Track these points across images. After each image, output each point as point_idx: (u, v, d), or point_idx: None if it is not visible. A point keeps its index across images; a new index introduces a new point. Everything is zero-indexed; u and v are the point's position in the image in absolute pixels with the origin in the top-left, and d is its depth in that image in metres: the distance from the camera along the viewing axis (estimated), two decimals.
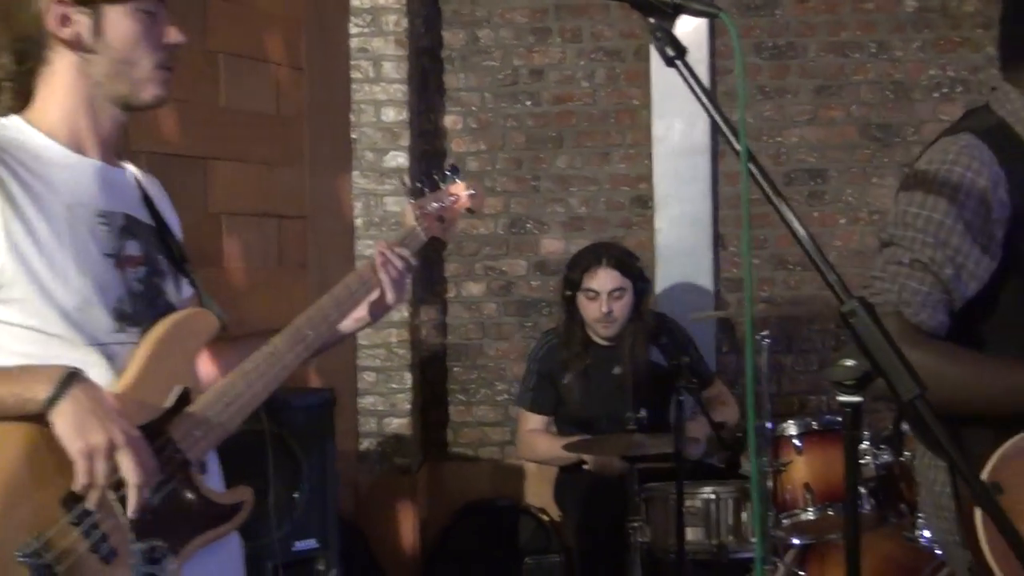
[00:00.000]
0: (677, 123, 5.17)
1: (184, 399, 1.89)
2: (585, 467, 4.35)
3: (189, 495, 1.85)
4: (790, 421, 3.85)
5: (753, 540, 3.86)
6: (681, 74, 1.73)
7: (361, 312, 2.20)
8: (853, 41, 5.24)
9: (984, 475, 1.98)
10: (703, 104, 1.72)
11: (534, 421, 4.50)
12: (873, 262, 2.21)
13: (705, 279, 5.15)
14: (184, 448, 1.86)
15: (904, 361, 1.52)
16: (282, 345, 2.01)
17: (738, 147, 1.67)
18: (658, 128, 5.18)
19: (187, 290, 2.09)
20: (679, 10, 1.75)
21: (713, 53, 5.21)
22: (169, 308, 1.98)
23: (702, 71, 5.16)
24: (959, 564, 2.12)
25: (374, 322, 2.25)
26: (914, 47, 5.22)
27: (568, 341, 4.46)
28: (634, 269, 4.43)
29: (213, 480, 1.96)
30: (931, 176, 2.08)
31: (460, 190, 2.47)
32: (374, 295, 2.19)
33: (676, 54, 1.73)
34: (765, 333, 3.89)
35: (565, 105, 5.28)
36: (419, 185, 2.44)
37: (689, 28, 5.14)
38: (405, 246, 2.25)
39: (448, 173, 2.47)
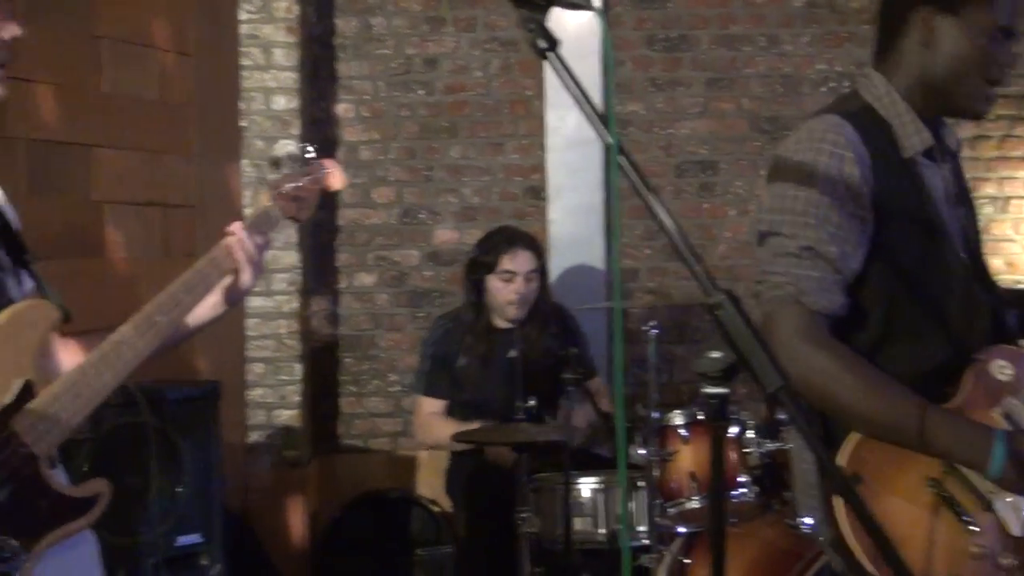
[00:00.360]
0: (570, 114, 5.17)
1: (27, 392, 1.83)
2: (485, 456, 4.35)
3: (38, 491, 1.80)
4: (676, 411, 3.88)
5: (641, 529, 3.89)
6: (553, 66, 1.72)
7: (215, 297, 2.16)
8: (744, 34, 5.30)
9: (843, 459, 2.02)
10: (574, 96, 1.70)
11: (431, 405, 4.47)
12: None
13: (597, 270, 5.18)
14: (30, 442, 1.80)
15: (769, 352, 1.53)
16: (131, 333, 1.95)
17: (609, 140, 1.67)
18: (551, 119, 5.19)
19: (28, 283, 2.02)
20: (551, 2, 1.73)
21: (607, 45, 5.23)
22: (9, 303, 1.92)
23: (594, 63, 5.17)
24: (824, 538, 2.16)
25: (231, 306, 2.21)
26: (803, 41, 5.30)
27: (471, 325, 4.46)
28: (542, 254, 4.49)
29: (64, 475, 1.91)
30: (801, 158, 2.10)
31: (317, 169, 2.43)
32: (228, 279, 2.14)
33: (548, 46, 1.72)
34: (653, 323, 3.91)
35: (459, 95, 5.26)
36: (276, 165, 2.39)
37: (583, 19, 5.16)
38: (259, 227, 2.21)
39: (306, 153, 2.43)
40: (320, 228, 5.16)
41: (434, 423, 4.45)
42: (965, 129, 5.34)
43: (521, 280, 4.37)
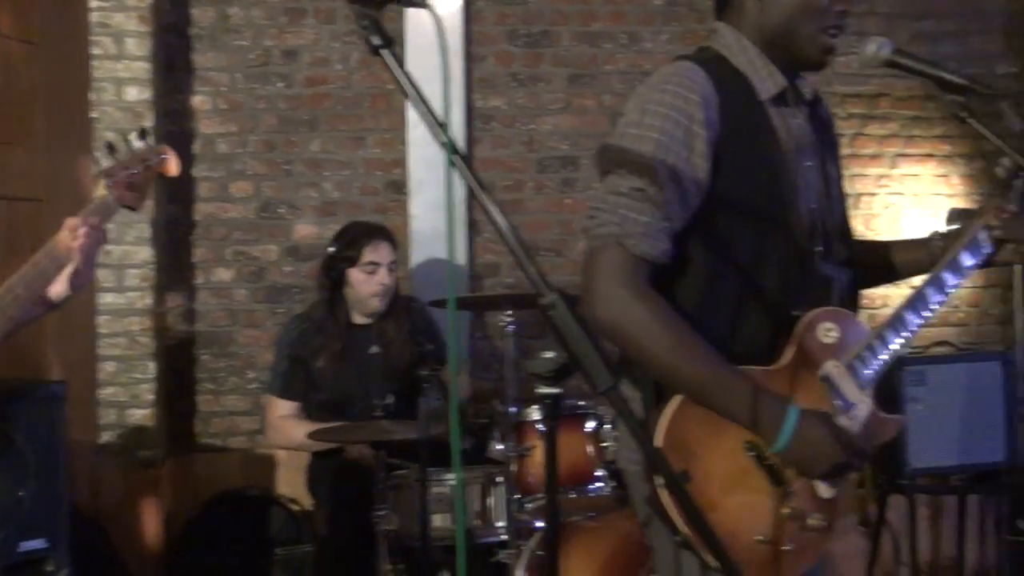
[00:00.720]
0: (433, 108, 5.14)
1: None
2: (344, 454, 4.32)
3: None
4: (534, 406, 3.89)
5: (500, 524, 3.90)
6: (386, 63, 1.70)
7: (59, 287, 2.12)
8: (604, 31, 5.34)
9: (666, 418, 2.04)
10: (409, 95, 1.69)
11: (283, 407, 4.42)
12: None
13: (459, 264, 5.16)
14: None
15: (601, 352, 1.54)
16: None
17: (443, 139, 1.65)
18: (413, 113, 5.14)
19: None
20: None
21: (468, 40, 5.22)
22: None
23: (456, 58, 5.17)
24: (638, 494, 2.19)
25: (75, 293, 2.17)
26: (663, 39, 5.36)
27: (333, 322, 4.40)
28: (398, 247, 4.49)
29: None
30: (646, 98, 2.11)
31: (151, 156, 2.37)
32: (68, 269, 2.10)
33: (382, 43, 1.70)
34: (510, 318, 3.91)
35: (319, 88, 5.19)
36: (110, 150, 2.34)
37: (443, 14, 5.14)
38: (94, 216, 2.16)
39: (139, 139, 2.37)
40: (175, 223, 5.04)
41: (286, 425, 4.39)
42: None
43: (385, 271, 4.37)
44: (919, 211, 5.54)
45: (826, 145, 2.35)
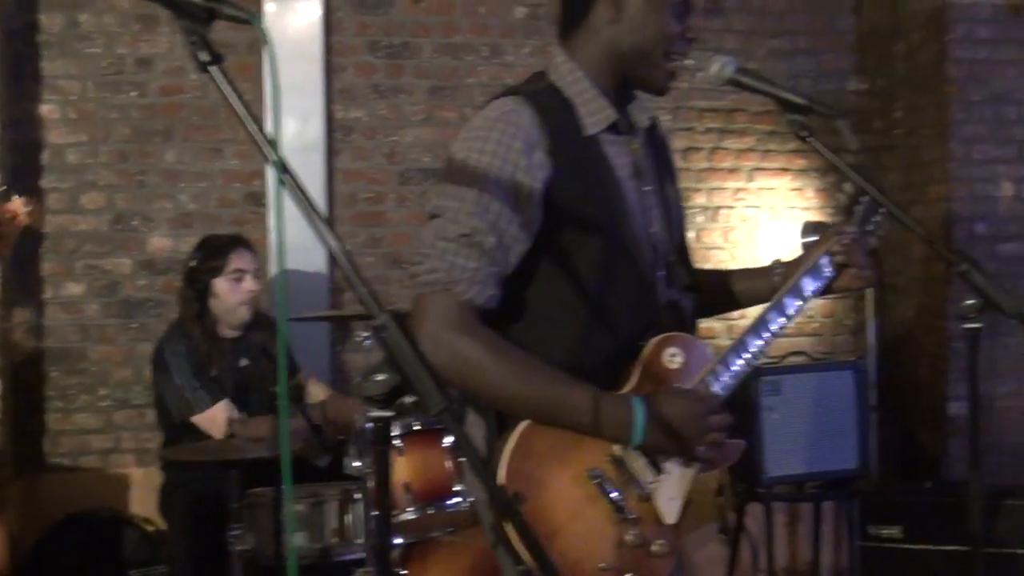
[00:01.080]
0: (291, 120, 5.09)
1: None
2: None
3: None
4: (392, 422, 3.85)
5: (358, 541, 3.85)
6: (215, 80, 1.65)
7: None
8: (467, 44, 5.34)
9: (510, 447, 2.03)
10: (238, 113, 1.64)
11: (224, 410, 4.22)
12: None
13: (320, 278, 5.10)
14: None
15: (432, 374, 1.52)
16: None
17: (273, 157, 1.62)
18: (271, 124, 5.06)
19: None
20: (213, 15, 1.66)
21: (328, 50, 5.16)
22: None
23: (316, 68, 5.11)
24: (485, 520, 2.18)
25: None
26: (524, 52, 5.38)
27: (202, 335, 4.30)
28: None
29: None
30: (470, 144, 2.09)
31: (17, 208, 2.28)
32: None
33: (211, 59, 1.65)
34: (366, 334, 3.87)
35: (174, 97, 5.07)
36: None
37: (303, 24, 5.09)
38: None
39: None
40: (21, 235, 4.85)
41: (247, 424, 4.19)
42: (678, 141, 5.55)
43: (251, 278, 4.31)
44: (775, 224, 5.66)
45: (663, 169, 2.37)
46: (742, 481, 4.98)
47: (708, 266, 5.47)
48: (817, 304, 5.74)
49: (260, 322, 4.43)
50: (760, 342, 2.26)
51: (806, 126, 2.25)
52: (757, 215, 5.67)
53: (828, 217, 5.58)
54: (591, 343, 2.15)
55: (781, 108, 2.28)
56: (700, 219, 5.62)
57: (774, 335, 2.28)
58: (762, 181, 5.68)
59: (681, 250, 2.37)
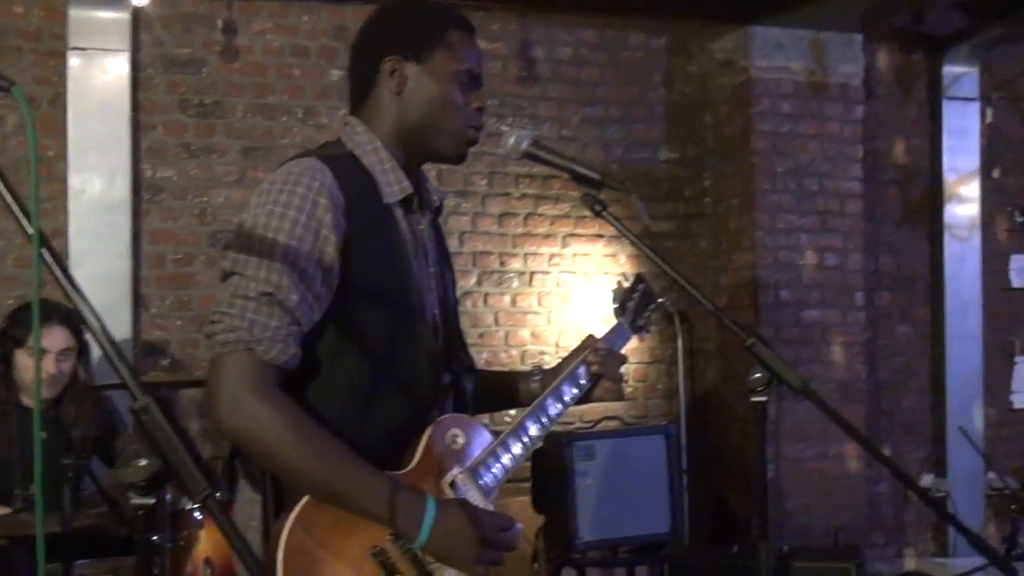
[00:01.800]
0: (96, 178, 4.92)
1: None
2: None
3: None
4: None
5: None
6: None
7: None
8: (280, 105, 5.27)
9: (291, 521, 1.96)
10: None
11: None
12: None
13: (123, 341, 4.92)
14: None
15: (197, 459, 1.45)
16: None
17: (30, 230, 1.53)
18: (75, 182, 4.91)
19: None
20: None
21: (136, 108, 5.03)
22: None
23: (123, 125, 4.96)
24: None
25: None
26: (340, 114, 5.33)
27: (5, 399, 4.07)
28: (80, 330, 4.17)
29: None
30: (273, 199, 2.03)
31: None
32: None
33: None
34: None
35: None
36: None
37: (110, 79, 4.94)
38: None
39: None
40: None
41: None
42: (494, 206, 5.59)
43: (52, 359, 4.05)
44: (589, 288, 5.73)
45: (442, 252, 2.37)
46: (556, 546, 4.98)
47: (502, 336, 5.55)
48: (631, 368, 5.82)
49: (78, 396, 4.21)
50: (539, 428, 2.32)
51: (599, 199, 2.27)
52: (571, 280, 5.73)
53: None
54: (376, 413, 2.10)
55: (575, 181, 2.29)
56: (516, 284, 5.65)
57: (540, 434, 2.32)
58: (576, 247, 5.76)
59: (460, 335, 2.37)
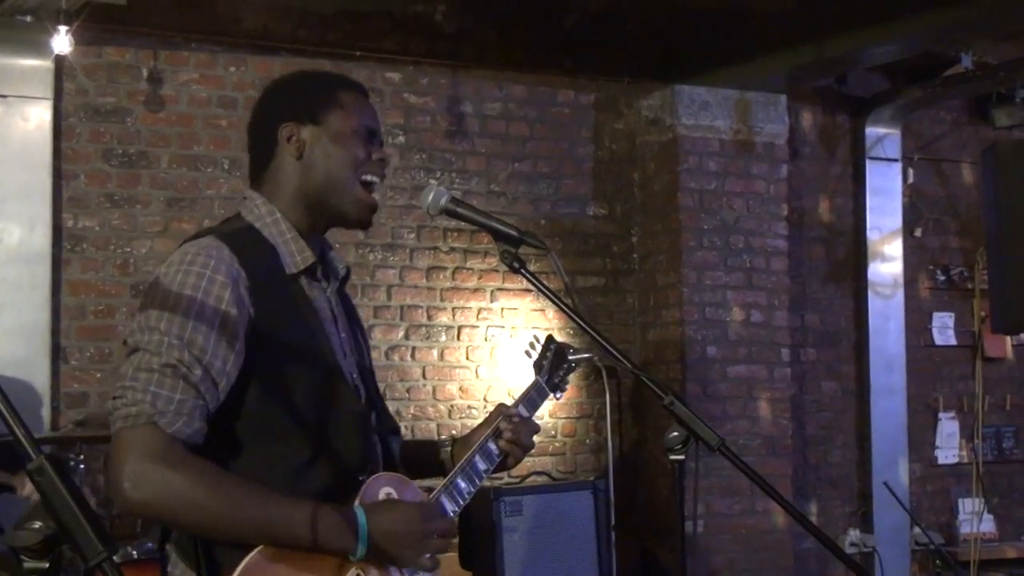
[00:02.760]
0: (15, 227, 4.83)
1: None
2: None
3: None
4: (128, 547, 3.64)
5: None
6: None
7: None
8: (206, 155, 5.23)
9: None
10: None
11: None
12: None
13: (41, 394, 4.82)
14: None
15: (93, 521, 1.41)
16: None
17: None
18: None
19: None
20: None
21: (58, 155, 4.96)
22: None
23: (44, 174, 4.89)
24: None
25: None
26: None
27: None
28: None
29: None
30: (172, 278, 2.03)
31: None
32: None
33: None
34: (80, 455, 3.66)
35: None
36: None
37: (31, 127, 4.87)
38: None
39: None
40: None
41: None
42: (422, 260, 5.57)
43: None
44: (517, 343, 5.71)
45: (352, 318, 2.36)
46: None
47: (430, 390, 5.51)
48: (559, 423, 5.81)
49: None
50: (471, 488, 2.32)
51: (517, 256, 2.27)
52: (499, 334, 5.72)
53: (568, 337, 5.68)
54: (305, 479, 2.08)
55: (493, 238, 2.29)
56: (443, 338, 5.62)
57: (472, 491, 2.32)
58: (504, 301, 5.75)
59: (380, 397, 2.36)
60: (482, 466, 2.37)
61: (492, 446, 2.40)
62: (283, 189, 2.20)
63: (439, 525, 2.13)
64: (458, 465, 2.35)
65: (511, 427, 2.40)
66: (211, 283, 2.01)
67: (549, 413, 5.69)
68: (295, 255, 2.16)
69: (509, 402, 2.56)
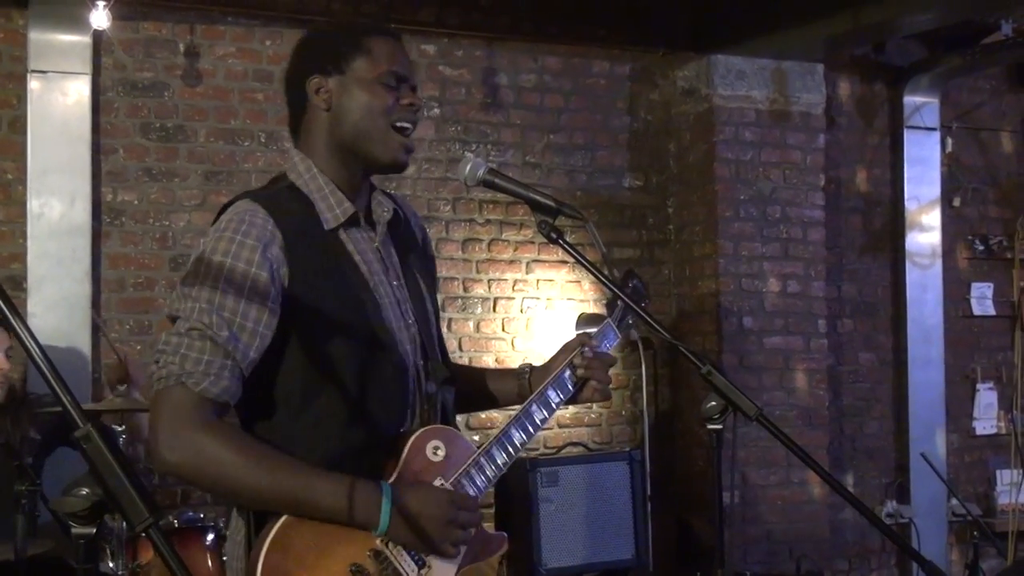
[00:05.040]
0: (55, 201, 4.88)
1: None
2: None
3: None
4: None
5: None
6: None
7: None
8: (243, 129, 5.26)
9: (267, 542, 1.97)
10: None
11: None
12: None
13: (82, 366, 4.88)
14: None
15: (139, 487, 1.44)
16: None
17: None
18: (34, 205, 4.87)
19: None
20: None
21: (96, 131, 5.00)
22: None
23: (83, 149, 4.93)
24: None
25: None
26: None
27: None
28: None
29: None
30: (206, 246, 2.08)
31: None
32: None
33: None
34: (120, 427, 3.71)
35: None
36: None
37: (70, 103, 4.91)
38: None
39: None
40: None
41: None
42: (457, 232, 5.58)
43: (2, 355, 4.06)
44: (553, 314, 5.72)
45: (413, 261, 2.36)
46: (519, 573, 4.96)
47: (466, 361, 5.53)
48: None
49: (18, 404, 4.17)
50: (524, 437, 2.31)
51: (555, 227, 2.27)
52: (535, 306, 5.73)
53: (603, 308, 5.68)
54: (348, 436, 2.11)
55: (531, 209, 2.29)
56: (479, 310, 5.64)
57: (525, 441, 2.32)
58: (540, 272, 5.76)
59: (439, 344, 2.36)
60: (555, 399, 2.38)
61: (567, 377, 2.41)
62: (317, 142, 2.22)
63: (464, 517, 2.13)
64: (529, 399, 2.36)
65: (586, 362, 2.41)
66: (240, 247, 2.05)
67: None
68: (334, 208, 2.18)
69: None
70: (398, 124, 2.21)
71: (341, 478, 2.03)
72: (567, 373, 2.41)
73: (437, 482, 2.17)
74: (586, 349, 2.42)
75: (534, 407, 2.35)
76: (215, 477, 1.99)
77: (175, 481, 4.91)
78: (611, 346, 2.60)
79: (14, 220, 4.89)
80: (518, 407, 2.38)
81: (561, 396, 2.40)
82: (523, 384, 2.47)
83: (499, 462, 2.26)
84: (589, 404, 5.72)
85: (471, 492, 2.21)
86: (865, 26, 5.47)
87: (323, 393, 2.11)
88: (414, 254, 2.37)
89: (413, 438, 2.16)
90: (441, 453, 2.18)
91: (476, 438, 5.23)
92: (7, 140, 4.89)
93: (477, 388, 2.52)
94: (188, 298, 2.04)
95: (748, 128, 5.89)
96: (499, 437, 2.29)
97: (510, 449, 2.28)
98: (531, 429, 2.33)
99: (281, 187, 2.20)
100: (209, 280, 2.03)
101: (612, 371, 5.91)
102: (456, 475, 2.19)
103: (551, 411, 2.38)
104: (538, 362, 2.53)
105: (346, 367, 2.12)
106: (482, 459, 2.24)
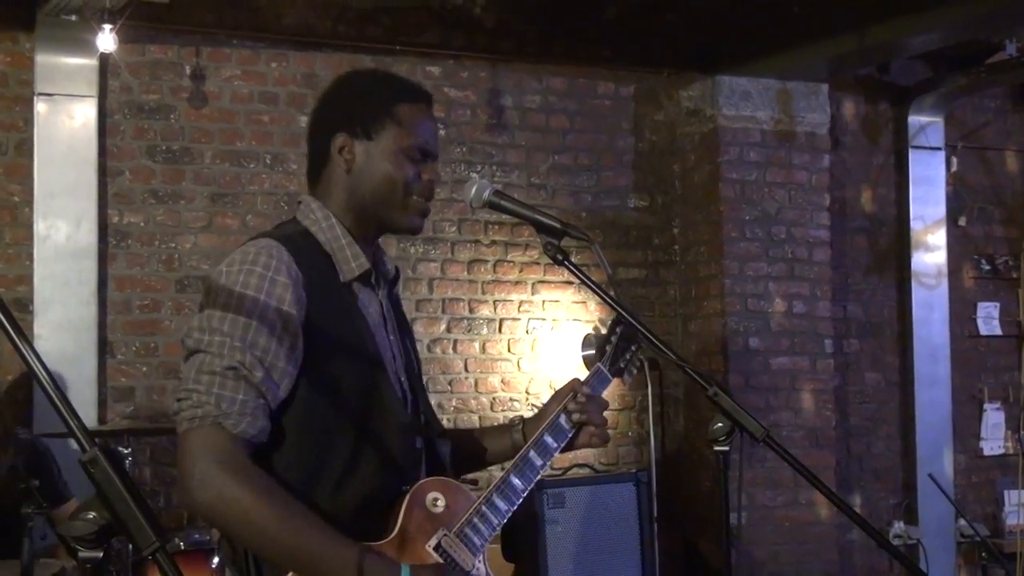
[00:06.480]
0: (62, 223, 4.89)
1: None
2: None
3: None
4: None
5: None
6: None
7: None
8: (249, 151, 5.27)
9: None
10: None
11: None
12: None
13: (88, 388, 4.88)
14: None
15: (146, 512, 1.43)
16: None
17: None
18: (41, 227, 4.88)
19: None
20: None
21: (103, 152, 5.01)
22: None
23: (90, 171, 4.94)
24: None
25: None
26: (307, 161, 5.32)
27: None
28: None
29: None
30: (234, 278, 2.05)
31: None
32: None
33: None
34: (127, 451, 3.70)
35: None
36: None
37: (76, 125, 4.93)
38: None
39: None
40: None
41: None
42: (463, 253, 5.59)
43: None
44: (559, 335, 5.72)
45: (400, 320, 2.37)
46: None
47: (472, 383, 5.52)
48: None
49: (17, 442, 4.15)
50: (526, 484, 2.29)
51: (560, 248, 2.27)
52: (541, 327, 5.73)
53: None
54: (354, 482, 2.10)
55: (536, 230, 2.30)
56: (485, 330, 5.63)
57: (526, 488, 2.30)
58: (546, 294, 5.76)
59: (426, 400, 2.37)
60: (552, 444, 2.36)
61: (563, 422, 2.39)
62: (336, 196, 2.22)
63: None
64: (526, 446, 2.34)
65: (579, 406, 2.39)
66: (273, 284, 2.04)
67: None
68: (350, 261, 2.19)
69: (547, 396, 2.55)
70: (415, 198, 2.23)
71: (360, 550, 2.01)
72: (562, 418, 2.39)
73: (439, 534, 2.15)
74: (579, 395, 2.41)
75: (532, 453, 2.33)
76: (239, 523, 1.97)
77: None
78: (602, 391, 2.56)
79: (21, 242, 4.89)
80: (510, 462, 2.35)
81: (558, 442, 2.37)
82: (516, 438, 2.46)
83: (503, 509, 2.24)
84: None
85: (476, 541, 2.20)
86: (870, 46, 5.48)
87: (325, 439, 2.10)
88: (401, 314, 2.39)
89: (411, 491, 2.15)
90: (441, 504, 2.17)
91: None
92: (14, 163, 4.90)
93: (470, 447, 2.51)
94: (217, 332, 2.02)
95: (753, 148, 5.90)
96: (499, 484, 2.27)
97: (511, 496, 2.27)
98: (530, 475, 2.31)
99: (296, 231, 2.19)
100: (242, 315, 2.02)
101: (618, 392, 5.93)
102: (459, 525, 2.18)
103: (549, 456, 2.35)
104: (542, 381, 2.52)
105: (350, 416, 2.12)
106: (484, 508, 2.23)
